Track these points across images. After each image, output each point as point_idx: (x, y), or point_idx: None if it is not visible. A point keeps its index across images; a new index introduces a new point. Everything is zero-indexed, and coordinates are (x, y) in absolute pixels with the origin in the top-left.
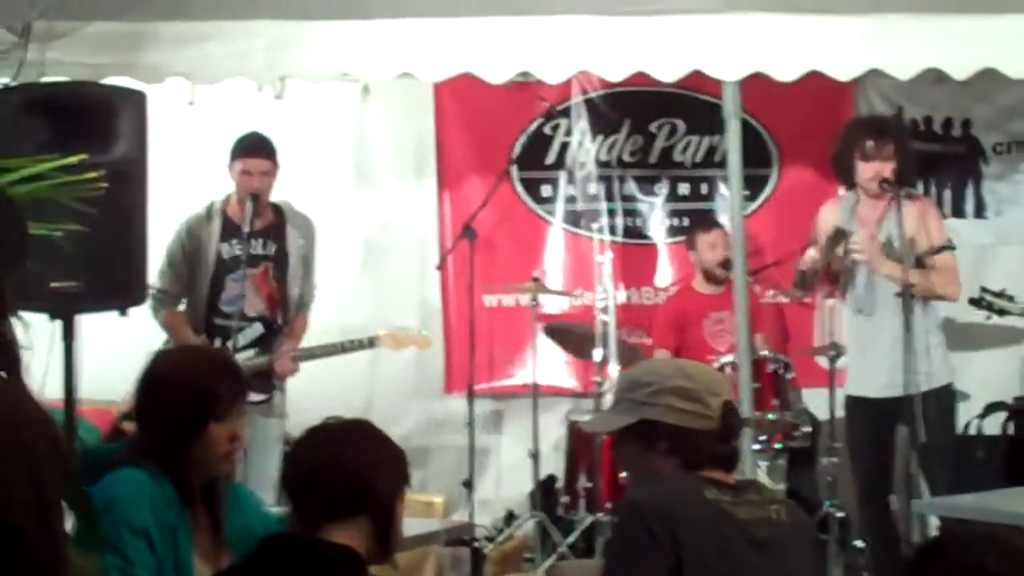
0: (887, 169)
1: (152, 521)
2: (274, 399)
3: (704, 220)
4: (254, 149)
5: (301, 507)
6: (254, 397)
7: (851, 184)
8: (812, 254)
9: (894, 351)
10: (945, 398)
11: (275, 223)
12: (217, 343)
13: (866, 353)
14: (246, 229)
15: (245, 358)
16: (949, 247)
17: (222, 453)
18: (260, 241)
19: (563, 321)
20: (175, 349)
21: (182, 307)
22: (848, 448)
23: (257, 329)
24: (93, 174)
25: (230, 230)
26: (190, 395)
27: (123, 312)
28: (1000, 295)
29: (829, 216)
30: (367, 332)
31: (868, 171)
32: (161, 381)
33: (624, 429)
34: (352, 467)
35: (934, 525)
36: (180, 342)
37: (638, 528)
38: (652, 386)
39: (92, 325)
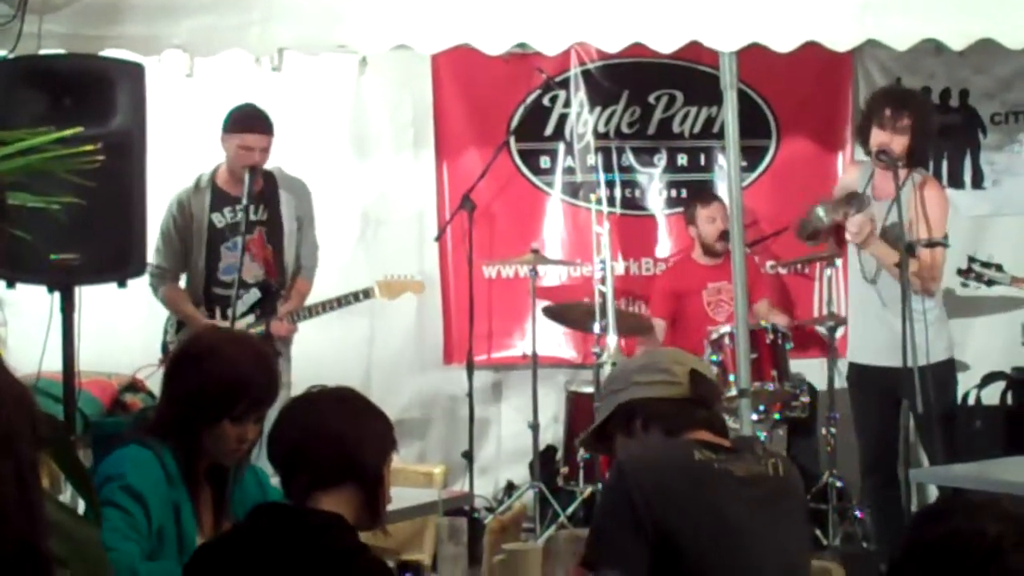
0: (898, 142)
1: (152, 494)
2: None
3: (702, 193)
4: (255, 124)
5: (288, 476)
6: None
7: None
8: (820, 212)
9: (895, 319)
10: (943, 373)
11: (266, 188)
12: (217, 312)
13: (867, 319)
14: (245, 201)
15: (245, 324)
16: (941, 243)
17: (228, 450)
18: (252, 207)
19: (561, 302)
20: (224, 334)
21: (182, 282)
22: (853, 416)
23: (255, 295)
24: (90, 147)
25: (221, 199)
26: (215, 387)
27: (122, 284)
28: (987, 265)
29: (848, 180)
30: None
31: (877, 138)
32: (195, 361)
33: (607, 424)
34: (338, 435)
35: (934, 496)
36: (182, 316)
37: (619, 496)
38: (619, 376)
39: (91, 297)
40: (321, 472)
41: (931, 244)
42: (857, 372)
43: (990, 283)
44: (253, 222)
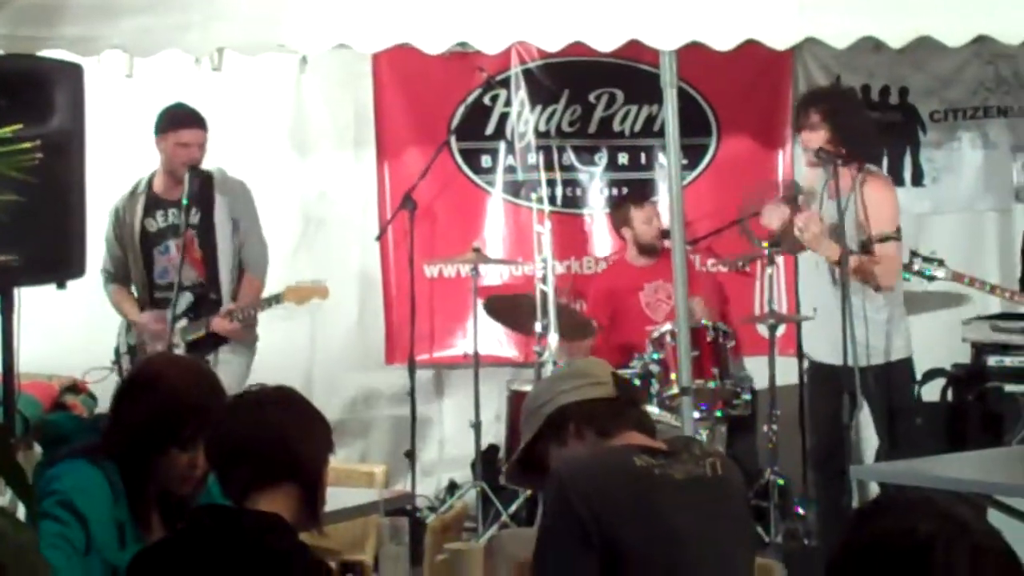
0: (814, 138)
1: (95, 514)
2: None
3: (635, 195)
4: (191, 121)
5: (227, 475)
6: None
7: None
8: (765, 217)
9: (853, 317)
10: (899, 371)
11: (201, 190)
12: (159, 314)
13: (821, 316)
14: (186, 200)
15: (180, 328)
16: (891, 237)
17: (178, 477)
18: (180, 210)
19: (502, 294)
20: (170, 360)
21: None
22: (808, 412)
23: (187, 298)
24: (27, 145)
25: (154, 204)
26: (161, 416)
27: (61, 285)
28: (929, 260)
29: (809, 176)
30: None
31: (802, 139)
32: (142, 390)
33: (536, 440)
34: (278, 434)
35: (876, 492)
36: (124, 317)
37: (562, 508)
38: (541, 393)
39: (30, 298)
40: (260, 470)
41: (882, 239)
42: (814, 368)
43: (931, 278)
44: (183, 225)
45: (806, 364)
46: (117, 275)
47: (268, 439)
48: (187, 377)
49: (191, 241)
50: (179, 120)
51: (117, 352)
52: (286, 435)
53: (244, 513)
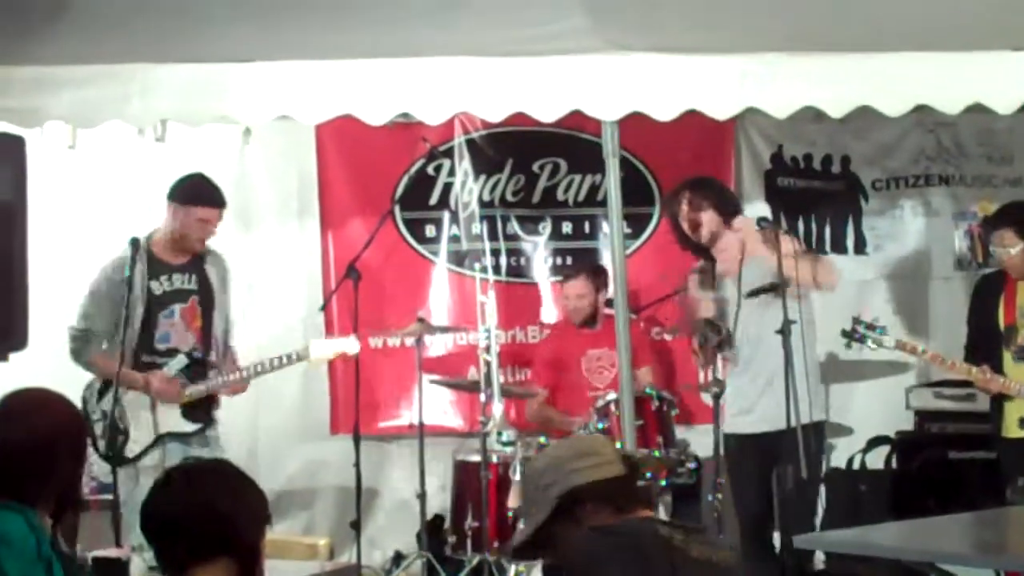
0: (704, 217)
1: (15, 562)
2: (208, 430)
3: (569, 269)
4: (213, 199)
5: (165, 549)
6: (188, 427)
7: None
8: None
9: (770, 387)
10: (817, 434)
11: (194, 259)
12: (164, 375)
13: (740, 393)
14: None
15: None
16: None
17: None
18: (184, 276)
19: (447, 374)
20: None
21: (105, 346)
22: (731, 485)
23: (181, 360)
24: None
25: (157, 267)
26: (72, 440)
27: (3, 358)
28: (872, 327)
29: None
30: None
31: (689, 223)
32: (39, 448)
33: (550, 520)
34: (214, 509)
35: (820, 560)
36: (113, 378)
37: (605, 558)
38: (549, 469)
39: None
40: (198, 543)
41: (753, 293)
42: (734, 440)
43: (875, 345)
44: (186, 291)
45: (730, 439)
46: (97, 336)
47: (201, 514)
48: (51, 407)
49: (193, 307)
50: (202, 197)
51: (86, 416)
52: (219, 509)
53: None
